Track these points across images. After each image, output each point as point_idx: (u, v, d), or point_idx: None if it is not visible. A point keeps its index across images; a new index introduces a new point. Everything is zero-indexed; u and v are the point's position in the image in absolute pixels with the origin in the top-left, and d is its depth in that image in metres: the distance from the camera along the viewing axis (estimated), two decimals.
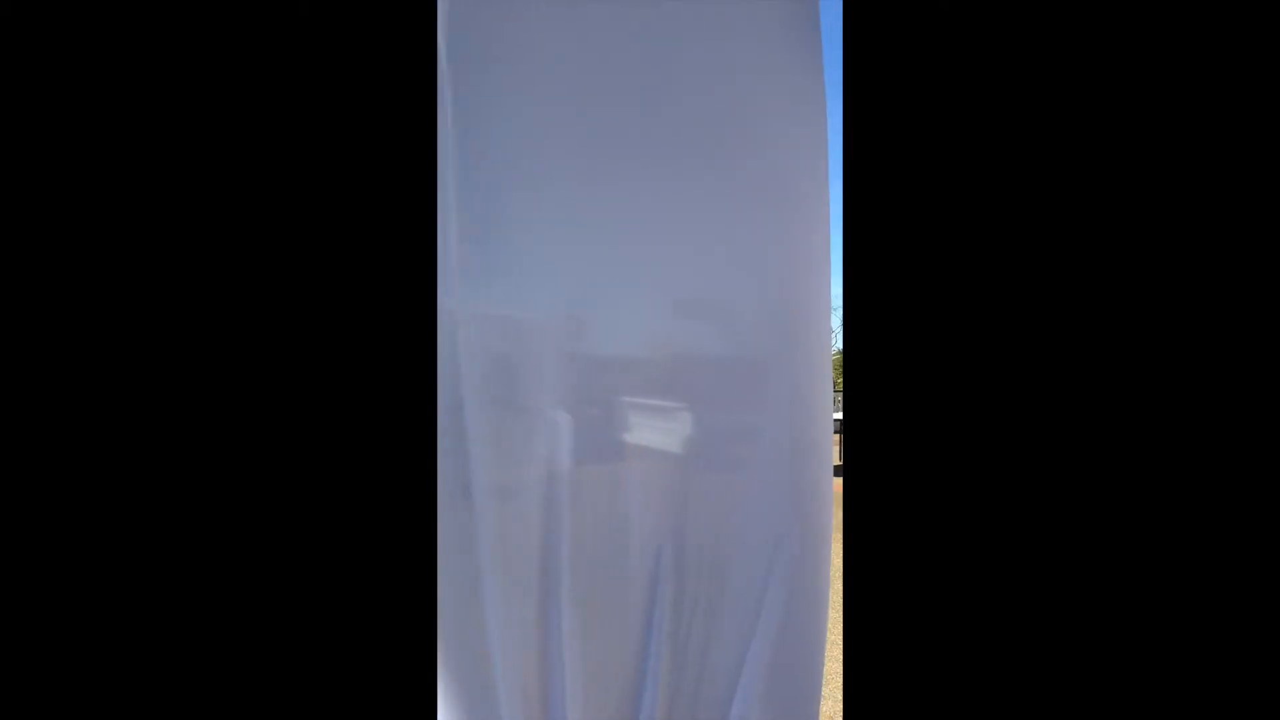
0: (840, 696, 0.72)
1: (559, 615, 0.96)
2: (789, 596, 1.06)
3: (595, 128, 0.99)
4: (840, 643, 0.79)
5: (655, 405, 1.07)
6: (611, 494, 1.01)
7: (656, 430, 1.06)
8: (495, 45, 0.91)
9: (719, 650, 1.03)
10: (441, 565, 0.85)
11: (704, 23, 1.02)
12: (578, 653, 0.97)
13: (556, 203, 0.98)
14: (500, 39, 0.91)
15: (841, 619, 0.47)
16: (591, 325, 1.05)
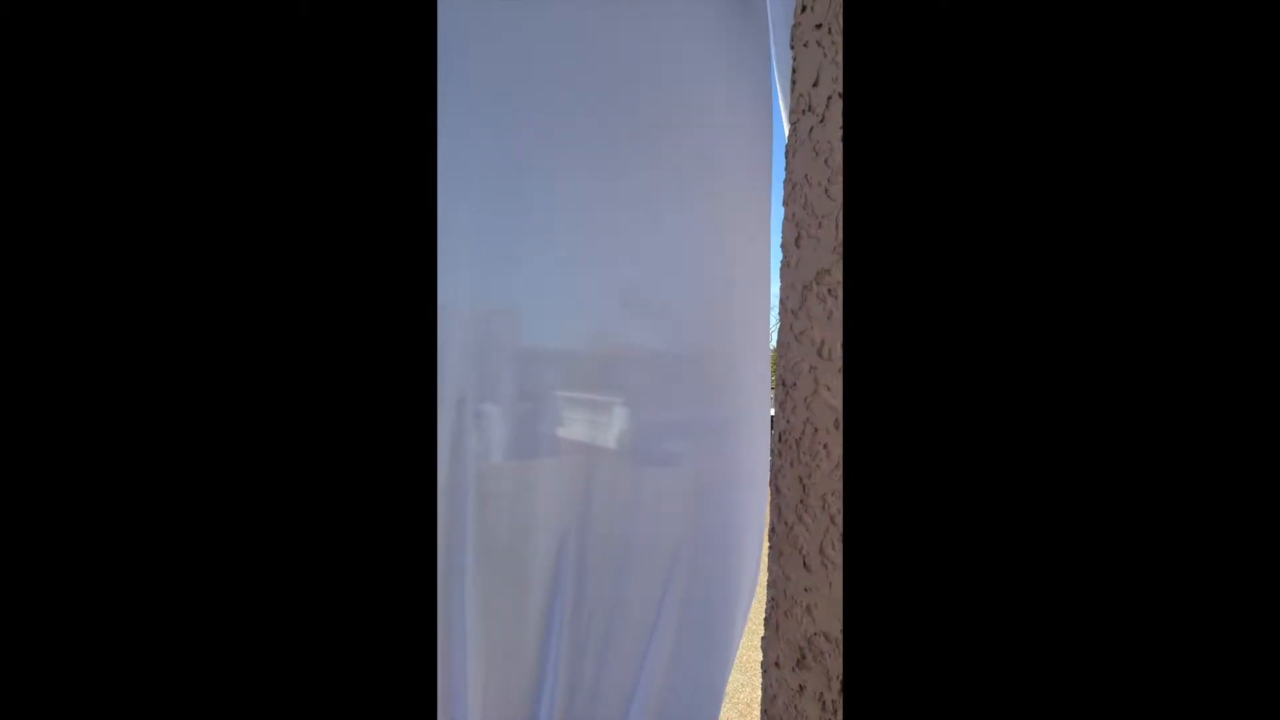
0: (760, 684, 0.73)
1: (462, 616, 0.95)
2: (687, 596, 1.07)
3: (538, 124, 0.97)
4: (761, 630, 0.80)
5: (588, 400, 1.06)
6: (523, 490, 0.99)
7: (585, 424, 1.05)
8: (442, 38, 0.87)
9: (618, 650, 1.03)
10: None
11: (650, 25, 1.01)
12: (479, 651, 0.95)
13: (494, 194, 0.95)
14: (444, 33, 0.88)
15: (843, 619, 0.47)
16: (528, 318, 1.02)
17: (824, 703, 0.65)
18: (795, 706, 0.69)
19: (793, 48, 0.74)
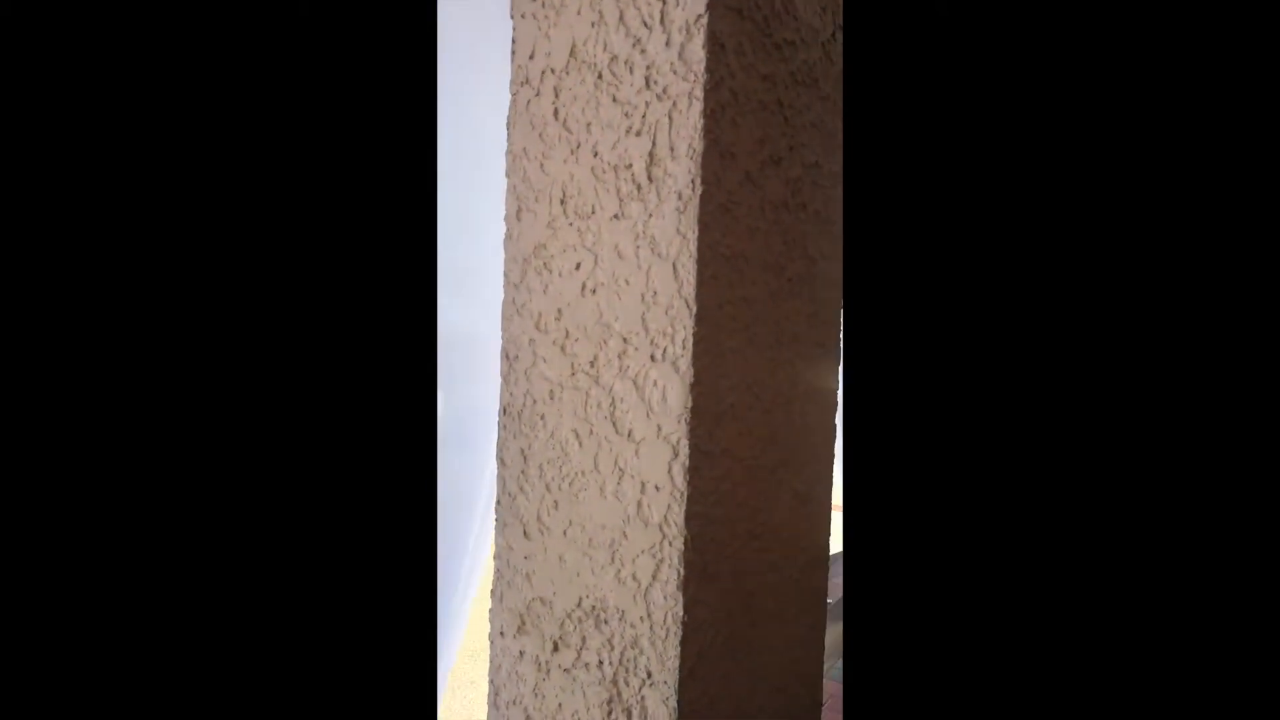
0: (488, 682, 0.73)
1: None
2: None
3: None
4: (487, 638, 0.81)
5: None
6: None
7: None
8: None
9: None
10: None
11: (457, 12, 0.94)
12: None
13: None
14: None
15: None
16: None
17: (539, 664, 0.67)
18: (516, 672, 0.70)
19: (512, 17, 0.73)
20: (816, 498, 0.86)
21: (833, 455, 0.92)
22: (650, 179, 0.60)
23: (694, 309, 0.58)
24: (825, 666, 2.26)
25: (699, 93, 0.57)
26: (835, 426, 0.91)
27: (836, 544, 3.90)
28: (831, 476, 0.92)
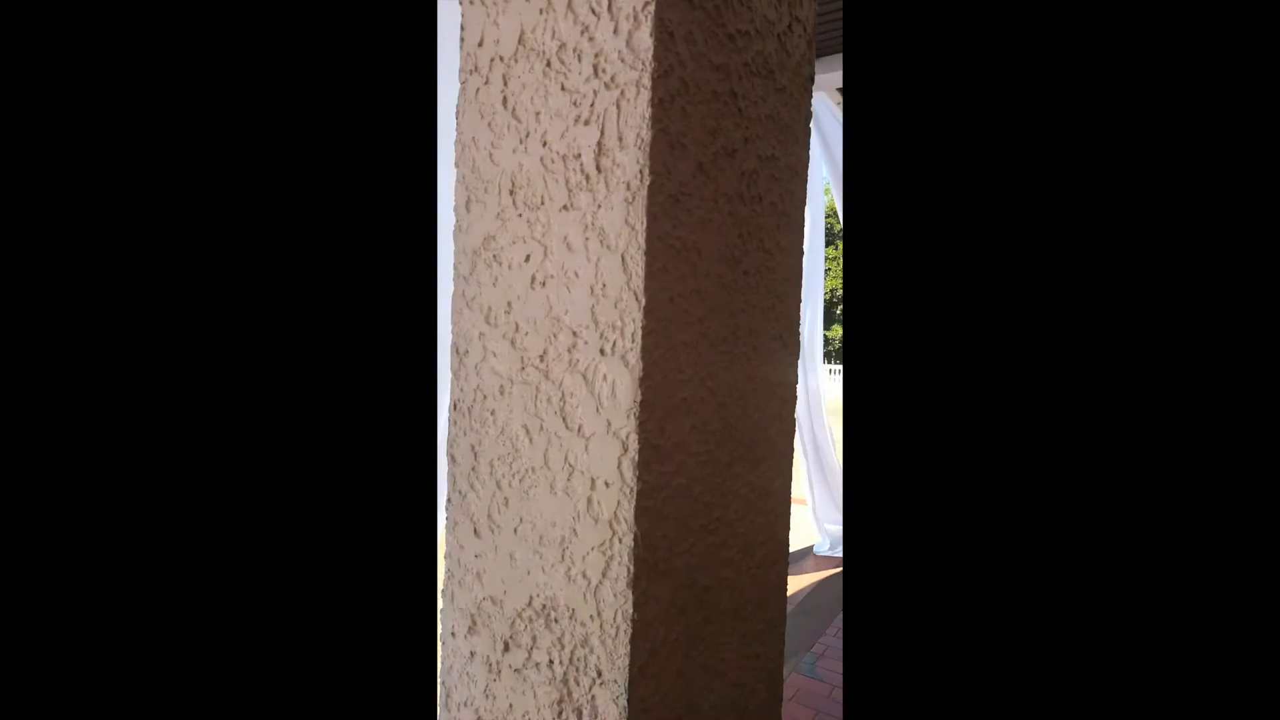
0: (439, 684, 0.71)
1: None
2: None
3: None
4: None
5: None
6: None
7: None
8: None
9: None
10: None
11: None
12: None
13: None
14: None
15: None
16: None
17: (490, 664, 0.66)
18: (467, 673, 0.69)
19: (461, 3, 0.71)
20: (774, 492, 0.85)
21: (792, 449, 0.92)
22: (599, 169, 0.59)
23: (643, 301, 0.57)
24: (794, 661, 2.26)
25: (647, 81, 0.56)
26: (794, 420, 0.91)
27: (810, 539, 3.94)
28: (790, 471, 0.92)
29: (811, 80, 0.90)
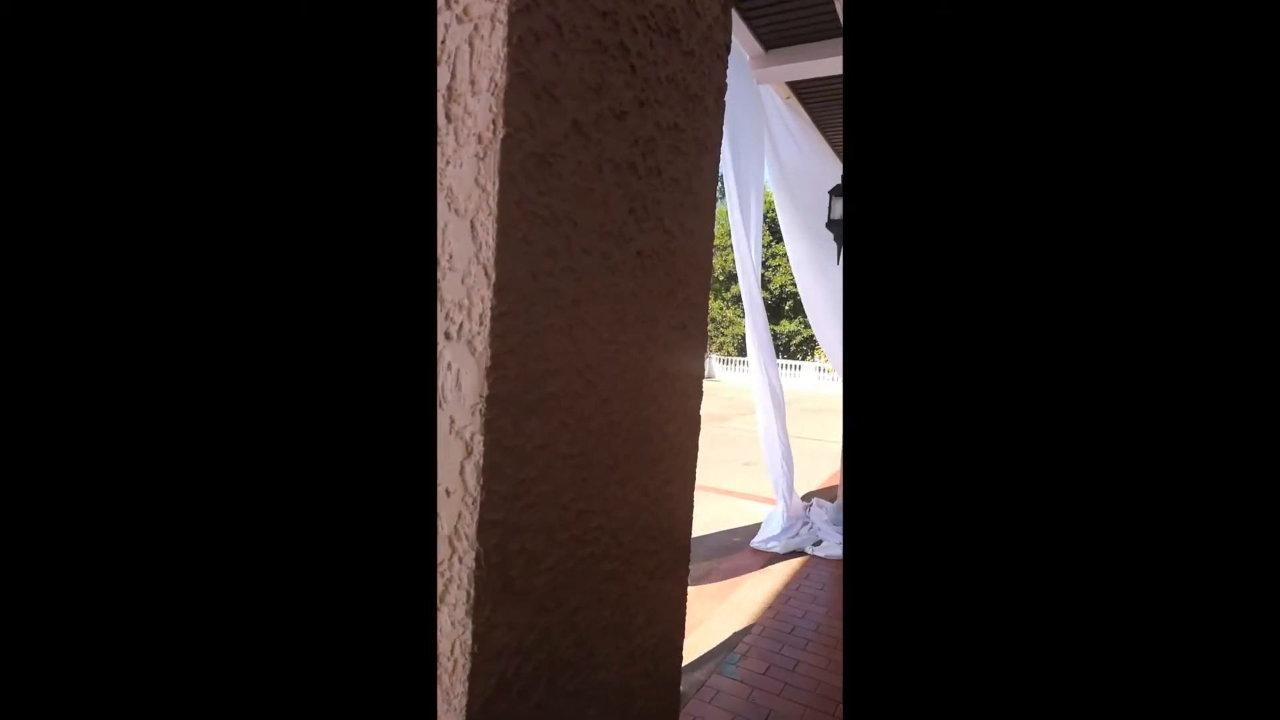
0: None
1: None
2: None
3: None
4: None
5: None
6: None
7: None
8: None
9: None
10: None
11: None
12: None
13: None
14: None
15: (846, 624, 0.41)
16: None
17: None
18: None
19: None
20: (672, 495, 0.78)
21: (696, 447, 0.85)
22: (449, 118, 0.50)
23: (492, 277, 0.48)
24: (715, 661, 2.22)
25: (503, 15, 0.47)
26: (698, 416, 0.84)
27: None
28: (694, 470, 0.85)
29: (727, 49, 0.82)
